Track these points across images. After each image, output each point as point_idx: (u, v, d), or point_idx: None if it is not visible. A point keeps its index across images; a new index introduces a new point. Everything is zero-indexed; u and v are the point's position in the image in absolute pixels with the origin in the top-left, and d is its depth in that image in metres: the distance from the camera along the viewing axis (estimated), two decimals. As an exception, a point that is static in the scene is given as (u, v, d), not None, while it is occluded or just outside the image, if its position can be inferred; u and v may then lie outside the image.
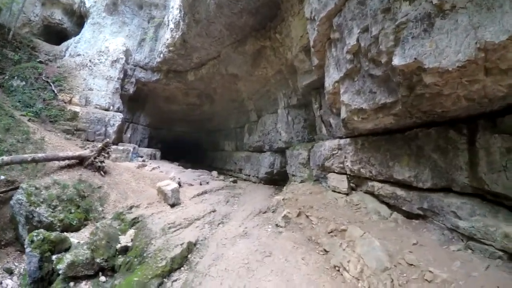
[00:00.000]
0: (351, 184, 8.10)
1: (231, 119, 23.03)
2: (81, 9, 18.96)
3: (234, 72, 17.34)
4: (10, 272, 6.97)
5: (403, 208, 5.95)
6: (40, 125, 13.00)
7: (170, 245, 6.52)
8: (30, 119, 12.79)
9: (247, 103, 19.33)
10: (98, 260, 6.49)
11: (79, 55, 17.24)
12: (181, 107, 24.34)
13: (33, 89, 14.32)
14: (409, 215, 5.87)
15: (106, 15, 18.62)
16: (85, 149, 11.87)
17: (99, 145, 11.57)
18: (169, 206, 9.82)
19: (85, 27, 18.36)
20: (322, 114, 10.83)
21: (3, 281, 6.64)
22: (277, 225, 7.39)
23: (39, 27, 18.87)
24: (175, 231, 7.38)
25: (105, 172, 11.16)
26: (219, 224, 8.30)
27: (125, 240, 7.44)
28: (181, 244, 6.49)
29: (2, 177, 8.78)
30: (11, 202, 7.96)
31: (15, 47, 15.39)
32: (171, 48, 17.67)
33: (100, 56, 17.34)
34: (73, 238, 7.50)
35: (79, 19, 19.46)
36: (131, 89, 20.05)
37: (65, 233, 7.66)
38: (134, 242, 7.10)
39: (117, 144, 17.03)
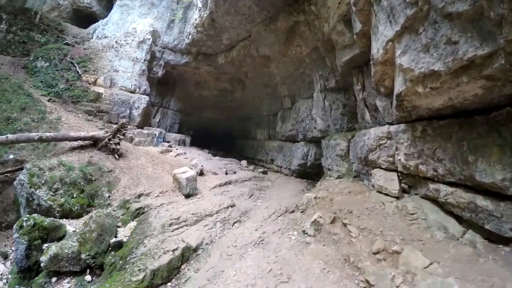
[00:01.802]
0: (403, 185, 6.29)
1: (264, 106, 21.65)
2: (109, -10, 18.48)
3: (266, 53, 15.88)
4: (5, 256, 6.38)
5: (486, 227, 4.13)
6: (60, 106, 12.72)
7: (161, 249, 5.29)
8: (50, 99, 12.56)
9: (280, 88, 17.73)
10: (83, 256, 5.54)
11: (106, 37, 16.81)
12: (212, 93, 23.38)
13: (57, 70, 14.10)
14: (495, 238, 4.05)
15: None
16: (101, 130, 11.14)
17: (115, 126, 10.76)
18: (183, 197, 8.81)
19: (113, 9, 17.96)
20: (365, 96, 8.95)
21: None
22: (304, 232, 5.86)
23: (68, 11, 18.82)
24: (177, 229, 6.19)
25: (119, 155, 10.39)
26: (234, 223, 6.97)
27: (123, 233, 6.50)
28: (173, 250, 5.19)
29: (11, 156, 8.43)
30: (15, 182, 7.45)
31: (42, 30, 15.33)
32: (199, 29, 16.57)
33: (127, 37, 16.78)
34: (71, 226, 6.69)
35: (108, 2, 19.11)
36: (159, 72, 19.43)
37: (63, 219, 7.00)
38: (130, 237, 6.03)
39: (142, 128, 16.46)
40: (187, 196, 8.85)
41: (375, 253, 4.36)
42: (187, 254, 5.33)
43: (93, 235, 5.96)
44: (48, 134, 9.05)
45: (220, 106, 25.78)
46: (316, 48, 11.93)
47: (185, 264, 5.16)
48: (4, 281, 5.71)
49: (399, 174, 6.43)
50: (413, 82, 4.47)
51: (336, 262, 4.54)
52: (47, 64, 14.02)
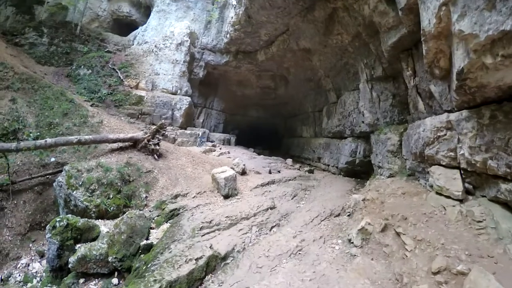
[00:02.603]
0: (467, 185, 5.25)
1: (308, 102, 20.83)
2: (146, -1, 19.28)
3: (306, 46, 15.18)
4: (41, 255, 6.72)
5: None
6: (103, 110, 13.37)
7: (185, 256, 5.00)
8: (93, 104, 13.24)
9: (324, 81, 16.82)
10: (110, 259, 5.54)
11: (146, 42, 17.53)
12: (255, 91, 23.18)
13: (99, 76, 14.92)
14: None
15: (170, 1, 18.53)
16: (141, 131, 11.47)
17: (154, 127, 11.00)
18: (221, 197, 8.64)
19: (151, 15, 18.66)
20: (417, 83, 7.86)
21: (32, 263, 6.46)
22: (350, 241, 5.18)
23: (108, 21, 19.97)
24: (208, 233, 5.94)
25: (159, 156, 10.58)
26: (272, 227, 6.52)
27: (155, 235, 6.46)
28: (196, 259, 4.87)
29: (53, 159, 8.93)
30: (54, 184, 7.85)
31: (83, 40, 16.41)
32: (236, 27, 16.43)
33: (165, 41, 17.30)
34: (106, 227, 6.83)
35: (147, 9, 19.91)
36: (200, 73, 19.76)
37: (99, 220, 7.18)
38: (159, 241, 5.92)
39: (185, 128, 16.85)
40: (226, 196, 8.64)
41: (435, 273, 3.56)
42: (214, 263, 5.01)
43: (122, 237, 5.93)
44: (86, 136, 9.35)
45: (264, 104, 25.53)
46: (358, 35, 10.91)
47: (210, 274, 4.83)
48: (38, 279, 5.99)
49: (462, 172, 5.40)
50: (478, 52, 3.58)
51: (385, 283, 3.82)
52: (90, 71, 14.91)
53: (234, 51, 19.21)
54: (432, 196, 5.68)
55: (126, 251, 5.76)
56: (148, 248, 5.88)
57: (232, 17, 16.31)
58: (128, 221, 6.33)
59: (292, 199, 9.15)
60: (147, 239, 6.31)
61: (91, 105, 12.93)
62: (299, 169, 15.52)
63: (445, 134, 5.71)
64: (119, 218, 6.84)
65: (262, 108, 26.39)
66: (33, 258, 6.63)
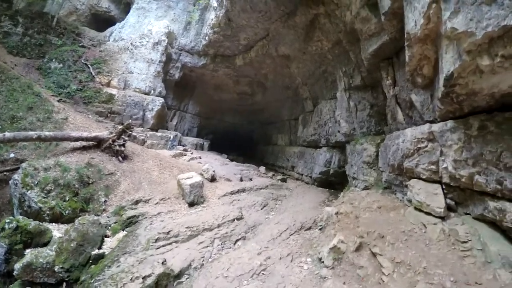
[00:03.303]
0: (449, 201, 4.88)
1: (285, 110, 20.60)
2: (126, -6, 18.38)
3: (286, 52, 14.87)
4: None
5: None
6: (71, 106, 12.47)
7: (132, 273, 4.26)
8: (61, 99, 12.35)
9: (301, 89, 16.58)
10: (56, 268, 4.81)
11: (122, 39, 16.60)
12: (232, 96, 22.60)
13: (70, 71, 13.99)
14: None
15: None
16: (107, 130, 10.51)
17: (120, 127, 10.10)
18: (186, 205, 7.96)
19: (130, 12, 17.77)
20: (397, 93, 7.59)
21: None
22: (320, 261, 4.60)
23: (86, 15, 18.95)
24: (163, 246, 5.20)
25: (124, 157, 9.73)
26: (237, 241, 5.85)
27: (109, 244, 5.75)
28: (144, 278, 4.13)
29: (12, 154, 8.24)
30: (10, 181, 7.10)
31: (59, 33, 15.41)
32: (216, 29, 15.87)
33: (142, 39, 16.47)
34: (59, 231, 6.10)
35: (126, 6, 19.00)
36: (176, 74, 18.98)
37: (53, 224, 6.55)
38: (111, 251, 5.12)
39: (156, 131, 15.94)
40: (191, 204, 7.92)
41: (416, 303, 3.05)
42: (165, 282, 4.28)
43: (72, 245, 5.26)
44: (47, 133, 8.64)
45: (240, 110, 24.99)
46: (338, 42, 10.65)
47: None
48: None
49: (443, 187, 5.02)
50: (473, 53, 3.18)
51: (359, 312, 3.26)
52: (61, 65, 13.93)
53: (212, 54, 18.63)
54: (410, 211, 5.26)
55: (75, 261, 5.10)
56: (99, 258, 5.22)
57: (212, 19, 15.83)
58: (80, 228, 5.63)
59: (261, 209, 8.55)
60: (99, 248, 5.65)
61: (58, 101, 12.06)
62: (272, 178, 14.99)
63: (426, 146, 5.35)
64: (70, 224, 6.08)
65: (239, 114, 25.84)
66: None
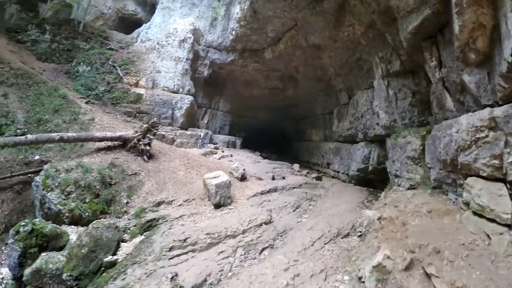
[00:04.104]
0: (518, 203, 3.91)
1: (318, 104, 19.69)
2: (151, -4, 18.66)
3: (316, 42, 14.02)
4: None
5: None
6: (99, 108, 12.68)
7: None
8: (88, 101, 12.59)
9: (335, 81, 15.61)
10: (64, 276, 4.63)
11: (149, 40, 16.83)
12: (263, 92, 22.06)
13: (98, 73, 14.31)
14: None
15: None
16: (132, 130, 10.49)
17: (145, 125, 10.02)
18: (212, 206, 7.55)
19: (155, 13, 17.94)
20: (444, 75, 6.55)
21: (0, 268, 5.79)
22: (360, 280, 3.87)
23: (113, 19, 19.53)
24: (178, 255, 4.77)
25: (149, 157, 9.62)
26: (263, 250, 5.26)
27: (125, 250, 5.52)
28: None
29: (37, 156, 8.36)
30: (32, 183, 7.18)
31: (86, 37, 16.00)
32: (242, 23, 15.48)
33: (168, 38, 16.48)
34: (77, 234, 5.92)
35: (152, 8, 19.33)
36: (205, 71, 18.80)
37: (72, 226, 6.43)
38: (122, 259, 4.85)
39: (186, 129, 15.85)
40: (217, 206, 7.52)
41: None
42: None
43: (82, 251, 5.04)
44: (70, 134, 8.69)
45: (272, 105, 24.37)
46: (372, 24, 9.63)
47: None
48: (3, 286, 5.30)
49: (508, 186, 4.06)
50: None
51: None
52: (89, 68, 14.31)
53: (240, 49, 18.21)
54: (469, 217, 4.33)
55: (85, 268, 4.87)
56: (111, 266, 4.96)
57: (237, 13, 15.50)
58: (93, 232, 5.42)
59: (293, 211, 7.91)
60: (114, 254, 5.39)
61: (86, 102, 12.35)
62: (306, 176, 14.27)
63: (487, 136, 4.39)
64: (84, 228, 5.88)
65: (270, 110, 25.24)
66: (3, 262, 5.94)
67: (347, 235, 5.65)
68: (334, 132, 16.11)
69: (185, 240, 5.10)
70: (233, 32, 16.65)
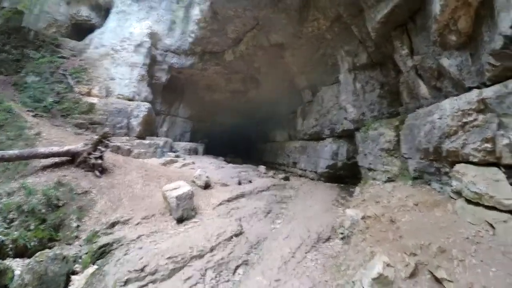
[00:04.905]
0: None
1: (281, 104, 19.37)
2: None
3: (278, 40, 13.59)
4: None
5: None
6: (47, 121, 11.29)
7: None
8: (36, 114, 11.16)
9: (298, 79, 15.36)
10: None
11: (103, 46, 15.24)
12: (225, 95, 21.24)
13: (47, 84, 12.83)
14: None
15: (131, 2, 16.38)
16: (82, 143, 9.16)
17: (96, 137, 8.75)
18: (174, 221, 6.57)
19: (109, 17, 16.36)
20: (418, 62, 6.30)
21: None
22: (355, 289, 3.23)
23: (67, 26, 17.80)
24: None
25: (101, 171, 8.39)
26: (236, 268, 4.42)
27: (76, 285, 4.47)
28: None
29: None
30: None
31: (37, 46, 14.24)
32: (202, 24, 14.77)
33: (123, 43, 15.14)
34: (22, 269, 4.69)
35: (107, 12, 17.66)
36: (163, 77, 17.55)
37: (17, 259, 5.21)
38: None
39: (144, 138, 14.52)
40: (180, 220, 6.56)
41: None
42: None
43: None
44: (11, 152, 7.40)
45: (235, 109, 23.61)
46: (337, 17, 9.37)
47: None
48: None
49: (504, 171, 3.73)
50: None
51: None
52: (38, 78, 12.82)
53: (200, 51, 17.28)
54: (464, 207, 3.93)
55: None
56: None
57: (196, 15, 14.81)
58: (36, 267, 4.35)
59: (265, 217, 7.21)
60: None
61: (33, 116, 10.89)
62: (273, 177, 13.66)
63: (476, 119, 4.05)
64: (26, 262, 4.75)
65: (233, 113, 24.46)
66: None
67: (328, 238, 5.05)
68: (298, 131, 15.84)
69: (142, 269, 4.07)
70: (192, 35, 15.82)
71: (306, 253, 4.55)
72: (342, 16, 9.03)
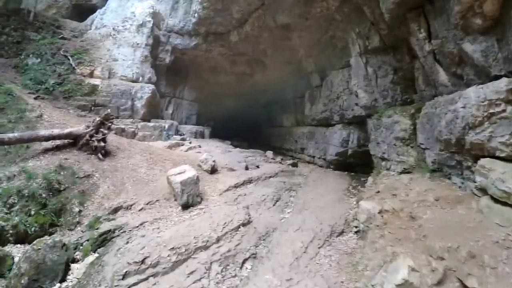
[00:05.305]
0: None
1: (288, 88, 18.88)
2: (107, -22, 16.55)
3: (285, 21, 13.01)
4: None
5: None
6: (49, 103, 11.18)
7: None
8: (38, 96, 11.01)
9: (306, 63, 14.86)
10: None
11: (104, 26, 14.90)
12: (230, 78, 20.80)
13: (48, 65, 12.63)
14: None
15: None
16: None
17: (98, 118, 8.57)
18: (179, 208, 6.45)
19: None
20: (436, 47, 5.89)
21: None
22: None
23: (67, 7, 17.64)
24: (134, 285, 3.63)
25: (105, 154, 8.29)
26: (244, 262, 4.27)
27: (76, 274, 4.40)
28: None
29: None
30: None
31: (37, 28, 14.00)
32: (205, 4, 14.17)
33: (125, 23, 14.75)
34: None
35: None
36: (167, 58, 17.20)
37: (17, 246, 5.19)
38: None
39: (148, 121, 14.41)
40: (185, 206, 6.42)
41: None
42: None
43: (22, 281, 3.94)
44: (11, 135, 7.27)
45: (240, 92, 23.16)
46: (349, -4, 8.84)
47: None
48: None
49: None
50: None
51: None
52: (38, 60, 12.58)
53: (204, 32, 16.73)
54: (490, 206, 3.69)
55: None
56: None
57: None
58: (33, 256, 4.21)
59: (274, 205, 7.07)
60: (63, 280, 4.25)
61: (35, 98, 10.73)
62: (281, 163, 13.52)
63: (504, 110, 3.75)
64: (22, 253, 4.62)
65: (239, 96, 24.02)
66: None
67: (342, 232, 4.89)
68: (306, 116, 15.51)
69: (143, 261, 3.92)
70: (196, 15, 15.24)
71: (319, 248, 4.40)
72: (353, -5, 8.53)
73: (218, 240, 4.70)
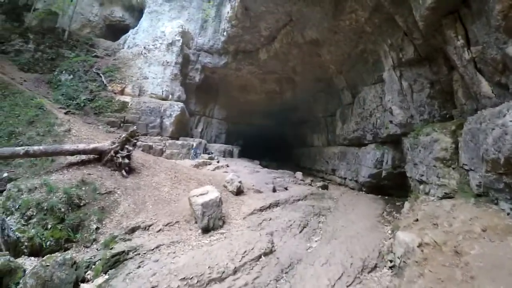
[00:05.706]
0: None
1: (318, 106, 18.42)
2: (138, 0, 17.65)
3: (313, 36, 12.92)
4: None
5: None
6: (79, 118, 11.71)
7: None
8: (69, 111, 11.58)
9: (336, 79, 14.44)
10: None
11: (136, 45, 15.79)
12: (260, 96, 20.87)
13: (80, 82, 13.33)
14: None
15: (163, 1, 16.81)
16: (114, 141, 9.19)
17: (123, 135, 8.69)
18: (199, 231, 6.15)
19: (142, 17, 16.96)
20: (476, 54, 5.25)
21: None
22: None
23: (101, 27, 18.83)
24: None
25: (128, 171, 8.30)
26: None
27: None
28: None
29: (5, 174, 7.30)
30: None
31: (71, 46, 15.07)
32: (233, 22, 14.48)
33: (155, 41, 15.42)
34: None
35: (140, 13, 18.42)
36: (197, 76, 17.66)
37: (31, 258, 5.16)
38: None
39: (177, 139, 14.61)
40: (205, 230, 6.13)
41: None
42: None
43: None
44: (36, 148, 7.47)
45: (270, 110, 23.13)
46: (377, 7, 8.46)
47: None
48: None
49: None
50: None
51: None
52: (71, 77, 13.38)
53: (233, 50, 17.08)
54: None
55: None
56: None
57: (228, 12, 14.50)
58: (41, 272, 4.14)
59: (300, 232, 6.56)
60: None
61: (65, 113, 11.29)
62: (310, 184, 12.89)
63: None
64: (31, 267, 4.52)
65: (269, 115, 23.98)
66: None
67: (375, 267, 4.28)
68: (338, 136, 14.86)
69: None
70: (225, 33, 15.62)
71: (348, 286, 3.83)
72: (382, 5, 8.14)
73: (235, 271, 4.32)
